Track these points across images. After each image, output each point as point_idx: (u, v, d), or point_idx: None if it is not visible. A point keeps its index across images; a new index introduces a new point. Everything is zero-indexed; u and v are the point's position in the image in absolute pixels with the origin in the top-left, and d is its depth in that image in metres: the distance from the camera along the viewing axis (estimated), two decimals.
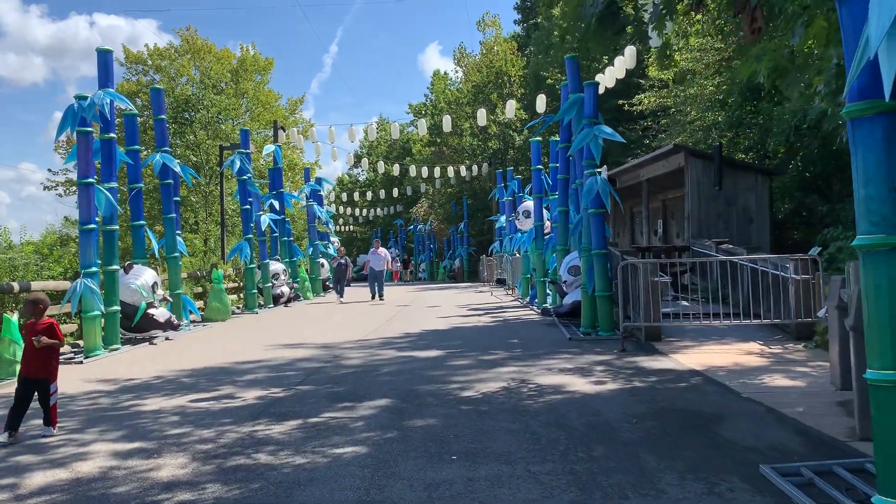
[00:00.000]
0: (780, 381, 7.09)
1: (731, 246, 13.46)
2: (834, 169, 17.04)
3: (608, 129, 11.01)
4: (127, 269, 11.88)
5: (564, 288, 13.28)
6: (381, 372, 8.38)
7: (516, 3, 50.33)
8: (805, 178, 17.75)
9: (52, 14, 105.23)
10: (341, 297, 20.63)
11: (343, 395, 7.12)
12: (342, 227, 57.43)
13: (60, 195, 31.12)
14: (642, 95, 21.84)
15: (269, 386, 7.71)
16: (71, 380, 8.53)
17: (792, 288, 9.71)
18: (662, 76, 21.86)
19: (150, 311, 11.91)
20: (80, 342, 10.75)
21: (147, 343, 11.69)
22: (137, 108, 23.01)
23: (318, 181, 27.96)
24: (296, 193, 26.21)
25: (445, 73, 53.91)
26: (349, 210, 52.88)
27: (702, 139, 20.04)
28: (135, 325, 11.76)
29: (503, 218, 26.92)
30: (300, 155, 33.57)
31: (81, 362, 9.83)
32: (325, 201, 35.61)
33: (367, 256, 21.24)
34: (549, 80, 33.44)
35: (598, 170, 10.90)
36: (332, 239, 31.42)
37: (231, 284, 19.37)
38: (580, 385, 7.15)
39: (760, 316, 10.28)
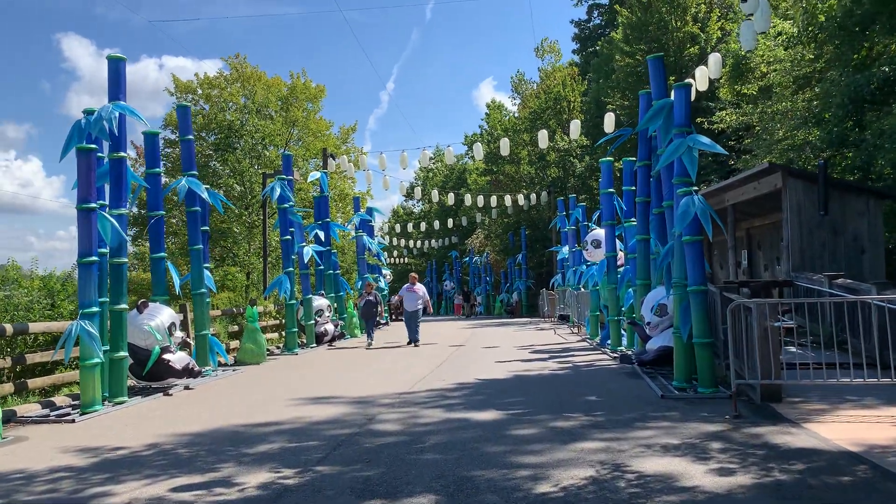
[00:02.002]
0: None
1: (849, 280, 11.20)
2: None
3: (706, 140, 9.04)
4: (141, 308, 10.39)
5: (647, 331, 11.21)
6: (426, 445, 6.52)
7: (574, 34, 48.83)
8: None
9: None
10: (371, 340, 17.30)
11: (374, 483, 5.29)
12: (396, 259, 56.22)
13: None
14: (723, 112, 19.68)
15: (281, 465, 5.94)
16: (45, 448, 6.94)
17: None
18: (745, 90, 19.69)
19: (166, 356, 10.37)
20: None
21: (161, 394, 10.11)
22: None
23: (370, 211, 26.54)
24: (344, 225, 24.78)
25: (501, 103, 52.56)
26: (403, 241, 51.64)
27: (794, 160, 17.76)
28: (147, 373, 10.22)
29: (565, 249, 24.92)
30: (351, 185, 32.35)
31: (74, 420, 8.27)
32: (378, 232, 34.25)
33: (402, 293, 17.90)
34: (611, 106, 31.51)
35: (694, 188, 8.91)
36: (383, 272, 29.92)
37: (272, 322, 17.87)
38: (699, 476, 5.15)
39: None
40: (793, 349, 10.40)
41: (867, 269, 13.39)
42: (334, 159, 25.13)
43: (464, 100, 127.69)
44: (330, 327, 18.15)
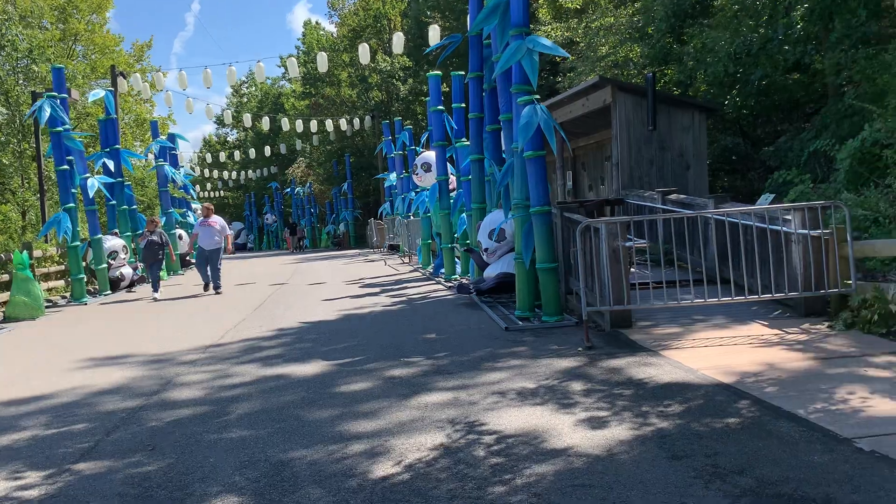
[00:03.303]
0: (869, 398, 4.48)
1: (683, 196, 11.01)
2: (770, 107, 15.05)
3: (546, 41, 8.07)
4: None
5: (485, 257, 10.39)
6: (231, 417, 5.15)
7: None
8: (741, 116, 15.69)
9: None
10: (155, 291, 13.76)
11: (154, 485, 3.88)
12: (211, 193, 52.37)
13: None
14: (548, 27, 19.09)
15: (26, 466, 4.34)
16: None
17: (798, 248, 7.24)
18: (568, 4, 19.18)
19: None
20: None
21: None
22: None
23: (171, 137, 23.61)
24: (142, 153, 21.82)
25: (318, 23, 49.48)
26: (216, 173, 47.90)
27: (618, 78, 17.60)
28: None
29: (393, 175, 23.82)
30: (150, 109, 28.76)
31: None
32: (186, 163, 31.07)
33: (196, 228, 14.46)
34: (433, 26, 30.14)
35: (536, 97, 7.95)
36: (193, 206, 27.17)
37: (56, 268, 15.21)
38: (568, 432, 4.26)
39: (744, 285, 7.83)
40: (634, 270, 10.04)
41: (692, 185, 13.45)
42: (125, 78, 21.83)
43: (277, 23, 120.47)
44: (127, 271, 15.80)
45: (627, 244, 6.99)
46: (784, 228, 7.43)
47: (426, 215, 16.36)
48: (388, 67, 34.81)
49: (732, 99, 14.53)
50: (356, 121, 32.69)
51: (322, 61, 19.82)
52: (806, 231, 7.06)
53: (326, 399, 5.45)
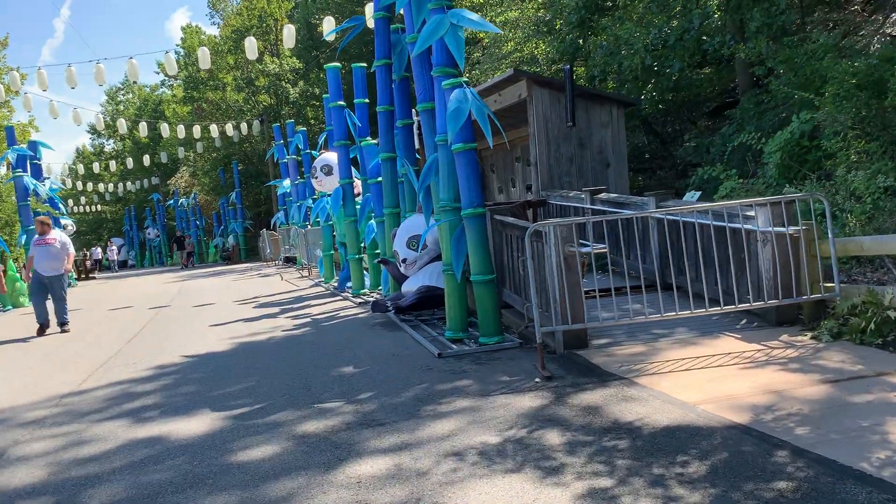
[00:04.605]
0: None
1: (614, 195, 10.12)
2: (680, 103, 14.56)
3: (473, 15, 6.87)
4: None
5: (402, 269, 9.08)
6: None
7: None
8: (649, 114, 15.14)
9: None
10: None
11: None
12: (86, 208, 48.29)
13: None
14: None
15: None
16: None
17: (764, 249, 6.38)
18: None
19: None
20: None
21: None
22: None
23: (33, 145, 20.94)
24: None
25: (199, 27, 46.56)
26: (93, 185, 44.07)
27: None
28: None
29: (287, 182, 22.10)
30: (7, 115, 25.58)
31: None
32: (52, 175, 28.00)
33: (31, 250, 10.88)
34: (321, 29, 28.64)
35: (464, 79, 6.72)
36: (63, 222, 24.32)
37: None
38: None
39: (697, 292, 6.91)
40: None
41: (612, 184, 12.65)
42: None
43: (155, 30, 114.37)
44: None
45: (584, 250, 5.88)
46: (746, 226, 6.55)
47: (328, 223, 14.87)
48: (277, 69, 32.89)
49: (648, 93, 13.91)
50: (243, 126, 30.55)
51: (204, 58, 17.90)
52: (780, 228, 6.18)
53: (218, 476, 3.98)
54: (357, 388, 5.70)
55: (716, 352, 5.69)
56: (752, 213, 6.61)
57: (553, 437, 4.07)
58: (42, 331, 10.68)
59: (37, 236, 10.81)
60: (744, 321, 6.70)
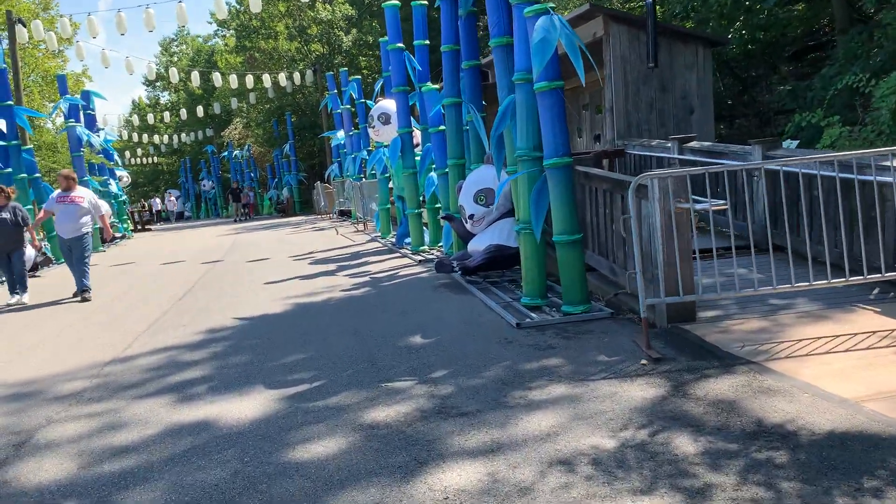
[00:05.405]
0: None
1: (707, 143, 9.06)
2: (768, 44, 13.17)
3: None
4: None
5: (469, 226, 8.26)
6: None
7: None
8: (734, 56, 13.79)
9: None
10: (17, 293, 9.37)
11: None
12: (142, 160, 48.65)
13: None
14: None
15: None
16: None
17: None
18: None
19: None
20: None
21: None
22: None
23: (86, 95, 20.62)
24: (45, 112, 18.83)
25: None
26: (149, 138, 44.22)
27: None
28: None
29: (341, 133, 21.33)
30: (62, 65, 25.37)
31: None
32: (106, 125, 27.83)
33: (50, 205, 9.56)
34: None
35: (551, 4, 5.75)
36: (118, 173, 24.20)
37: None
38: None
39: (818, 256, 5.89)
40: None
41: (696, 132, 11.50)
42: (24, 26, 18.69)
43: None
44: (28, 252, 13.12)
45: (699, 206, 4.95)
46: (879, 178, 5.50)
47: (384, 176, 14.10)
48: (329, 16, 31.92)
49: (736, 32, 12.57)
50: (296, 75, 29.83)
51: (255, 1, 17.09)
52: None
53: (273, 480, 3.30)
54: (429, 364, 4.96)
55: (855, 329, 4.75)
56: (887, 164, 5.55)
57: (685, 444, 3.25)
58: (75, 295, 9.49)
59: (59, 192, 9.44)
60: (876, 290, 5.71)
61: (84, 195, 9.48)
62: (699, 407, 3.69)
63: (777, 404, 3.61)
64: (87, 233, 9.42)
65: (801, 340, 4.62)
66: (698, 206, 4.93)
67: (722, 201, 4.98)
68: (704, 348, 4.69)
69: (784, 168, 6.31)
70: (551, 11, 5.66)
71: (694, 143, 8.95)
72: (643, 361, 4.53)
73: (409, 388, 4.47)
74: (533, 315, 6.09)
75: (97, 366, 5.82)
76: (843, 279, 4.94)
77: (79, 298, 9.39)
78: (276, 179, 35.73)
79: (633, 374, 4.31)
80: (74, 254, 9.40)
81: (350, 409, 4.17)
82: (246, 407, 4.40)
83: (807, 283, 4.84)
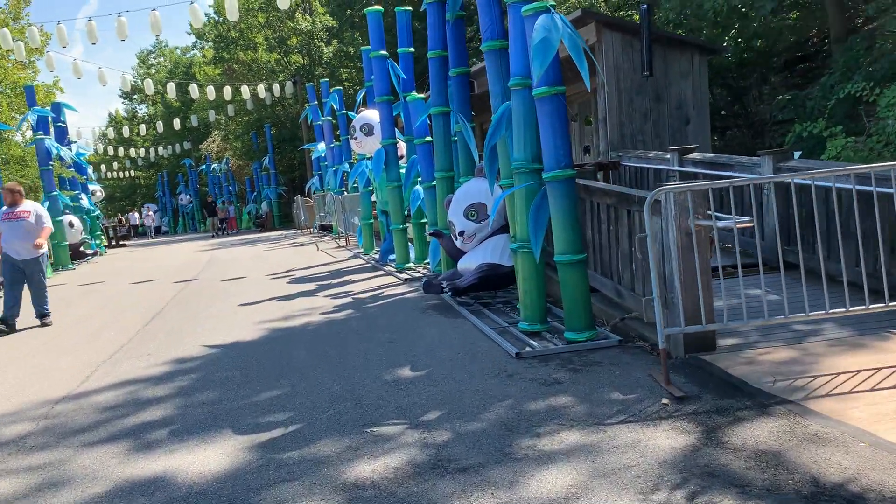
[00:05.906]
0: None
1: (709, 154, 8.61)
2: (763, 52, 12.81)
3: None
4: None
5: (459, 243, 7.72)
6: None
7: None
8: (737, 61, 13.42)
9: None
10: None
11: None
12: (118, 174, 47.66)
13: None
14: None
15: None
16: None
17: None
18: None
19: None
20: None
21: None
22: None
23: (56, 107, 19.89)
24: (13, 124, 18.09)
25: None
26: (125, 151, 43.25)
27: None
28: None
29: (321, 145, 20.74)
30: (32, 77, 24.56)
31: None
32: (81, 139, 27.07)
33: None
34: None
35: (551, 3, 5.25)
36: (91, 188, 23.42)
37: None
38: None
39: (836, 274, 5.41)
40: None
41: (693, 143, 11.09)
42: None
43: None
44: None
45: (722, 223, 4.44)
46: None
47: (367, 189, 13.55)
48: (310, 27, 31.39)
49: (731, 40, 12.20)
50: (276, 87, 29.21)
51: (231, 8, 16.50)
52: None
53: None
54: (420, 403, 4.39)
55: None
56: None
57: None
58: (7, 322, 8.36)
59: (5, 208, 8.54)
60: None
61: (30, 209, 8.54)
62: (739, 460, 3.16)
63: (831, 457, 3.09)
64: (43, 253, 8.63)
65: (839, 374, 4.11)
66: (721, 224, 4.42)
67: (747, 218, 4.47)
68: (731, 384, 4.17)
69: (815, 182, 5.82)
70: (552, 10, 5.15)
71: (695, 155, 8.49)
72: (664, 401, 4.00)
73: (398, 435, 3.89)
74: (533, 343, 5.55)
75: (47, 403, 5.18)
76: (883, 304, 4.43)
77: (39, 324, 8.66)
78: (256, 193, 35.02)
79: (656, 417, 3.77)
80: (31, 277, 8.55)
81: (330, 463, 3.59)
82: (210, 458, 3.81)
83: (843, 310, 4.33)
